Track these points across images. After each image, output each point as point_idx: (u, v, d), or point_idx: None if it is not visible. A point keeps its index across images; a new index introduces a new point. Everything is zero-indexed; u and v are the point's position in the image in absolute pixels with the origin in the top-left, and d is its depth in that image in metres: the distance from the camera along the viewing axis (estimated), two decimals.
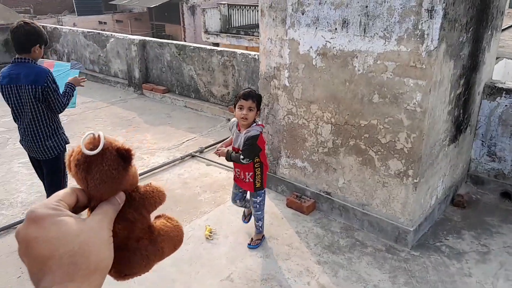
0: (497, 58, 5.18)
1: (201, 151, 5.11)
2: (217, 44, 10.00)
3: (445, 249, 3.23)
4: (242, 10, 16.00)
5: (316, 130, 3.46)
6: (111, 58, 8.39)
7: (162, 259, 0.69)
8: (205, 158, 4.91)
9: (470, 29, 3.02)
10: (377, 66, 2.89)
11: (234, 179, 3.17)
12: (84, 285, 0.50)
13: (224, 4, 15.81)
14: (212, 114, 6.56)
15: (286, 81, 3.49)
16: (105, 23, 23.63)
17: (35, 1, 24.44)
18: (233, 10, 15.50)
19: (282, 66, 3.46)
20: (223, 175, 4.52)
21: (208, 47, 6.62)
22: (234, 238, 3.36)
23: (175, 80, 7.15)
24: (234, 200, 3.29)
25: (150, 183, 0.71)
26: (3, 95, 3.05)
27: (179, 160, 4.91)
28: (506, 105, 3.70)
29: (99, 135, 0.60)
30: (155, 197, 0.69)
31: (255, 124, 2.84)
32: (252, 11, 15.45)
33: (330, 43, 3.07)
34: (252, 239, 3.28)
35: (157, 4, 20.86)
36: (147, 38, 7.79)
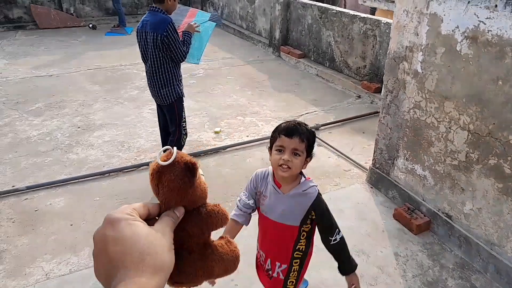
0: None
1: (316, 128, 4.65)
2: (374, 10, 8.97)
3: None
4: None
5: (447, 135, 2.67)
6: (258, 15, 8.27)
7: (211, 277, 0.72)
8: (317, 137, 4.44)
9: None
10: None
11: (256, 265, 2.01)
12: (151, 282, 0.55)
13: None
14: (343, 87, 5.94)
15: (418, 66, 2.74)
16: None
17: None
18: None
19: (416, 46, 2.71)
20: (331, 161, 4.02)
21: (352, 12, 5.88)
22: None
23: (312, 46, 6.66)
24: None
25: (219, 204, 0.75)
26: (137, 39, 3.30)
27: None
28: None
29: (171, 150, 0.68)
30: (218, 219, 0.72)
31: (304, 178, 1.76)
32: None
33: (484, 24, 2.21)
34: None
35: None
36: None
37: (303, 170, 1.75)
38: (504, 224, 2.42)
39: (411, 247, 2.90)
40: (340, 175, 3.77)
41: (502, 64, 2.19)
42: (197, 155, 4.17)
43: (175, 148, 0.69)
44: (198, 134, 4.64)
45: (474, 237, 2.66)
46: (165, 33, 3.07)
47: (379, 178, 3.42)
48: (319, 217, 1.76)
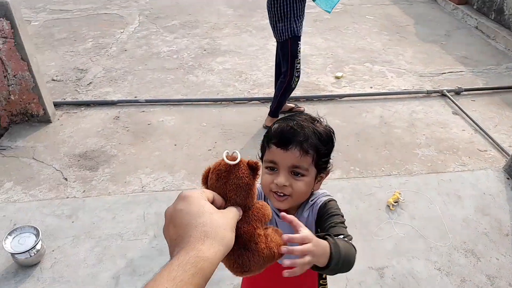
0: None
1: (456, 92, 3.91)
2: None
3: None
4: None
5: None
6: None
7: (273, 262, 0.77)
8: (456, 104, 3.73)
9: None
10: None
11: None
12: (210, 251, 0.61)
13: None
14: (505, 47, 4.84)
15: None
16: None
17: None
18: None
19: None
20: (465, 135, 3.36)
21: None
22: (421, 223, 2.51)
23: None
24: None
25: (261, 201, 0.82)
26: None
27: (424, 94, 3.92)
28: None
29: (234, 152, 0.77)
30: (265, 213, 0.79)
31: (316, 197, 1.16)
32: None
33: None
34: None
35: None
36: None
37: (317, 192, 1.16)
38: None
39: None
40: (471, 154, 3.14)
41: None
42: (309, 99, 3.88)
43: (236, 150, 0.78)
44: (317, 76, 4.30)
45: None
46: None
47: None
48: (326, 218, 1.09)
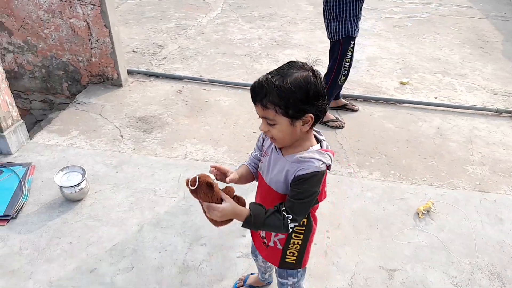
0: None
1: None
2: None
3: None
4: None
5: None
6: None
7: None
8: None
9: None
10: None
11: (251, 231, 1.68)
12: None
13: None
14: None
15: None
16: None
17: None
18: None
19: None
20: None
21: None
22: (448, 236, 2.38)
23: None
24: (253, 253, 1.86)
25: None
26: None
27: (492, 113, 3.65)
28: None
29: (195, 178, 1.28)
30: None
31: (314, 147, 1.30)
32: None
33: None
34: None
35: None
36: None
37: (324, 141, 1.34)
38: None
39: None
40: None
41: None
42: (367, 99, 3.82)
43: (197, 176, 1.27)
44: (381, 79, 4.20)
45: None
46: None
47: None
48: (295, 185, 1.27)
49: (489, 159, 3.09)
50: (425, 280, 2.14)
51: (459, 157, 3.11)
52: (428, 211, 2.52)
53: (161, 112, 3.53)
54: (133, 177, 2.75)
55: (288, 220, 1.28)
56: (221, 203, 1.29)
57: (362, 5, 3.01)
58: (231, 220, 1.35)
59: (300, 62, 1.23)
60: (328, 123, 3.38)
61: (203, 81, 4.04)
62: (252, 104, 1.25)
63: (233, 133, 3.29)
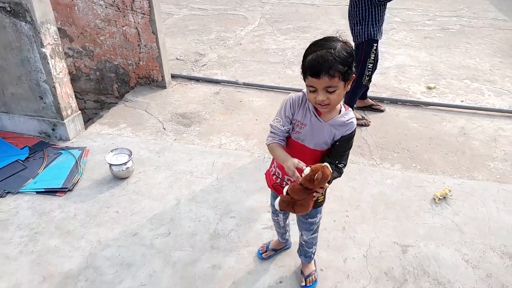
0: None
1: None
2: None
3: None
4: None
5: None
6: None
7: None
8: None
9: None
10: None
11: (272, 186, 1.87)
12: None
13: None
14: None
15: None
16: None
17: None
18: None
19: None
20: None
21: None
22: (463, 220, 2.51)
23: None
24: (275, 213, 2.09)
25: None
26: None
27: None
28: None
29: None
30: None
31: (344, 108, 1.61)
32: None
33: None
34: (304, 277, 2.10)
35: None
36: None
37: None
38: None
39: None
40: None
41: None
42: (393, 101, 4.00)
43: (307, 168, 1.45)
44: (408, 84, 4.37)
45: None
46: None
47: None
48: (345, 142, 1.61)
49: (511, 157, 3.18)
50: (437, 255, 2.29)
51: (481, 153, 3.21)
52: (444, 197, 2.66)
53: (200, 110, 3.87)
54: (173, 161, 3.08)
55: (343, 170, 1.64)
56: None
57: (384, 11, 3.24)
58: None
59: (334, 36, 1.48)
60: None
61: (238, 84, 4.37)
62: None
63: (263, 129, 3.56)
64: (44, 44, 2.95)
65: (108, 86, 4.39)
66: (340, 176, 1.65)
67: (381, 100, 4.00)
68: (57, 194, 2.73)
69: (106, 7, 3.89)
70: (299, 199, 1.50)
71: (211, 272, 2.18)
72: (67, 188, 2.76)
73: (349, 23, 3.36)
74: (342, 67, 1.39)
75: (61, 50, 3.13)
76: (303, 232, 1.99)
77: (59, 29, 3.99)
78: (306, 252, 2.07)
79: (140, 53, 4.10)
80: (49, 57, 3.01)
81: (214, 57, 5.12)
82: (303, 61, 1.47)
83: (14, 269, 2.20)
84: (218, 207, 2.63)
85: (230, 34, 5.91)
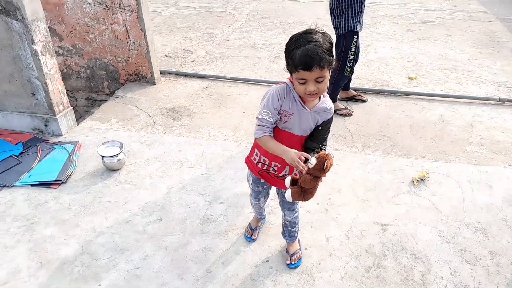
0: None
1: None
2: None
3: None
4: None
5: None
6: None
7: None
8: None
9: None
10: None
11: (258, 174, 1.99)
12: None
13: None
14: None
15: None
16: None
17: None
18: None
19: None
20: None
21: None
22: (439, 199, 2.65)
23: None
24: (257, 198, 2.20)
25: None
26: None
27: (495, 102, 3.88)
28: None
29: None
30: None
31: (322, 96, 1.76)
32: None
33: None
34: (289, 255, 2.22)
35: None
36: None
37: None
38: None
39: None
40: None
41: None
42: (375, 92, 4.14)
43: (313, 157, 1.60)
44: (390, 75, 4.52)
45: None
46: None
47: None
48: (325, 127, 1.79)
49: (487, 141, 3.34)
50: (415, 232, 2.43)
51: (459, 138, 3.37)
52: (422, 179, 2.80)
53: (188, 104, 3.98)
54: (163, 152, 3.18)
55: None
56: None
57: (363, 3, 3.38)
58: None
59: (312, 28, 1.59)
60: (337, 112, 3.72)
61: (226, 79, 4.48)
62: None
63: (250, 121, 3.68)
64: (35, 41, 3.04)
65: (98, 83, 4.48)
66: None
67: (364, 91, 4.14)
68: (51, 186, 2.82)
69: (94, 5, 3.97)
70: (309, 188, 1.65)
71: (202, 254, 2.30)
72: (61, 180, 2.86)
73: (331, 16, 3.49)
74: (329, 58, 1.52)
75: (51, 47, 3.22)
76: (286, 212, 2.12)
77: (49, 28, 4.06)
78: (290, 232, 2.20)
79: (129, 50, 4.20)
80: (40, 54, 3.10)
81: (202, 54, 5.22)
82: (290, 56, 1.56)
83: (12, 257, 2.30)
84: (207, 194, 2.75)
85: (217, 31, 6.01)
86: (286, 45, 1.61)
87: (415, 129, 3.51)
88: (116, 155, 2.93)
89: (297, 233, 2.23)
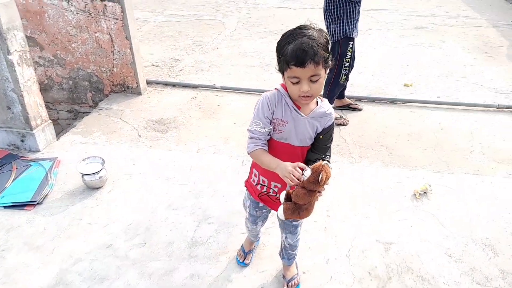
0: None
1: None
2: None
3: None
4: None
5: None
6: None
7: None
8: None
9: None
10: None
11: (257, 196, 1.79)
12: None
13: None
14: None
15: None
16: None
17: None
18: None
19: None
20: None
21: None
22: (444, 214, 2.49)
23: None
24: (254, 223, 1.97)
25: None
26: None
27: (494, 109, 3.76)
28: None
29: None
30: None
31: (319, 100, 1.57)
32: None
33: None
34: (286, 281, 2.03)
35: None
36: None
37: None
38: None
39: None
40: None
41: None
42: (371, 100, 3.99)
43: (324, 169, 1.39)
44: (385, 82, 4.38)
45: None
46: None
47: None
48: (327, 135, 1.58)
49: (489, 149, 3.19)
50: (420, 251, 2.25)
51: (460, 147, 3.22)
52: (425, 192, 2.64)
53: (176, 115, 3.79)
54: (148, 168, 2.98)
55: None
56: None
57: (359, 9, 3.24)
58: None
59: (306, 24, 1.44)
60: None
61: (216, 88, 4.30)
62: None
63: (241, 132, 3.50)
64: (11, 51, 2.84)
65: (81, 95, 4.27)
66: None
67: (359, 99, 3.99)
68: (25, 208, 2.60)
69: (77, 13, 3.78)
70: (304, 203, 1.44)
71: (190, 282, 2.09)
72: (36, 201, 2.64)
73: (325, 22, 3.34)
74: (324, 53, 1.36)
75: (29, 57, 3.02)
76: (288, 235, 1.92)
77: (29, 37, 3.87)
78: (289, 254, 2.00)
79: (113, 59, 4.00)
80: (16, 64, 2.89)
81: (190, 62, 5.05)
82: (281, 53, 1.41)
83: None
84: (196, 213, 2.55)
85: (207, 39, 5.85)
86: (278, 42, 1.45)
87: (413, 138, 3.35)
88: (97, 172, 2.72)
89: (296, 255, 2.04)
